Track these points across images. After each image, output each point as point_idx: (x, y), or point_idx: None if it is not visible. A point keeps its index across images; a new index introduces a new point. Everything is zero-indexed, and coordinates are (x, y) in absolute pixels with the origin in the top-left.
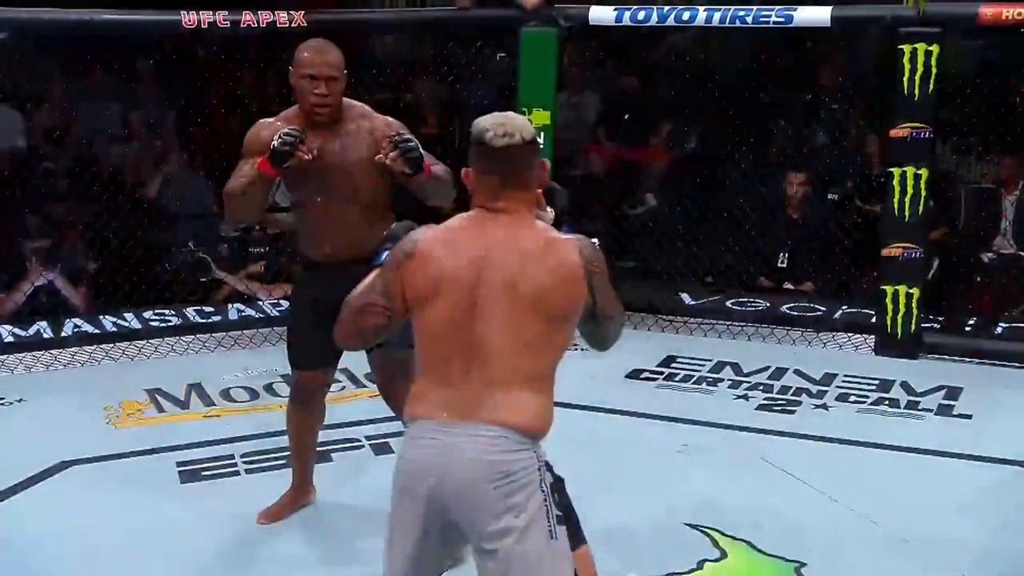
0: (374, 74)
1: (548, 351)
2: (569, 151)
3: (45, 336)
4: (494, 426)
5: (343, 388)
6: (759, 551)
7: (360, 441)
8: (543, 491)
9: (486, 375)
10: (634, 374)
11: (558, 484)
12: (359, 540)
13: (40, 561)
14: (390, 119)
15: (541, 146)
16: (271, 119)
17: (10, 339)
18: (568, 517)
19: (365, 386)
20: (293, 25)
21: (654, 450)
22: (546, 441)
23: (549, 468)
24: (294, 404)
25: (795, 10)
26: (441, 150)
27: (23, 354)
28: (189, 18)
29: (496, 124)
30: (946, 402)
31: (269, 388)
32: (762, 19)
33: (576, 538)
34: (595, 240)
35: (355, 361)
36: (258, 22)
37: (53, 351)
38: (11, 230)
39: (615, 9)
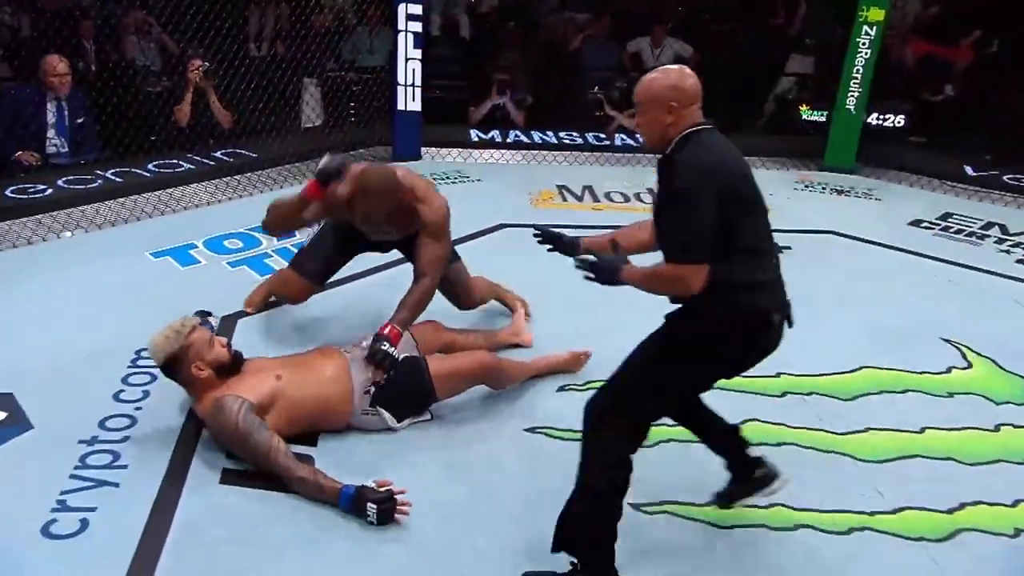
0: None
1: None
2: (889, 44)
3: (496, 140)
4: None
5: None
6: (1001, 368)
7: None
8: None
9: None
10: (915, 222)
11: None
12: None
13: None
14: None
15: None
16: None
17: (475, 139)
18: None
19: None
20: None
21: (924, 280)
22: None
23: None
24: None
25: None
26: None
27: (483, 150)
28: None
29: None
30: None
31: (637, 196)
32: None
33: None
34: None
35: None
36: None
37: (502, 151)
38: (486, 64)
39: None
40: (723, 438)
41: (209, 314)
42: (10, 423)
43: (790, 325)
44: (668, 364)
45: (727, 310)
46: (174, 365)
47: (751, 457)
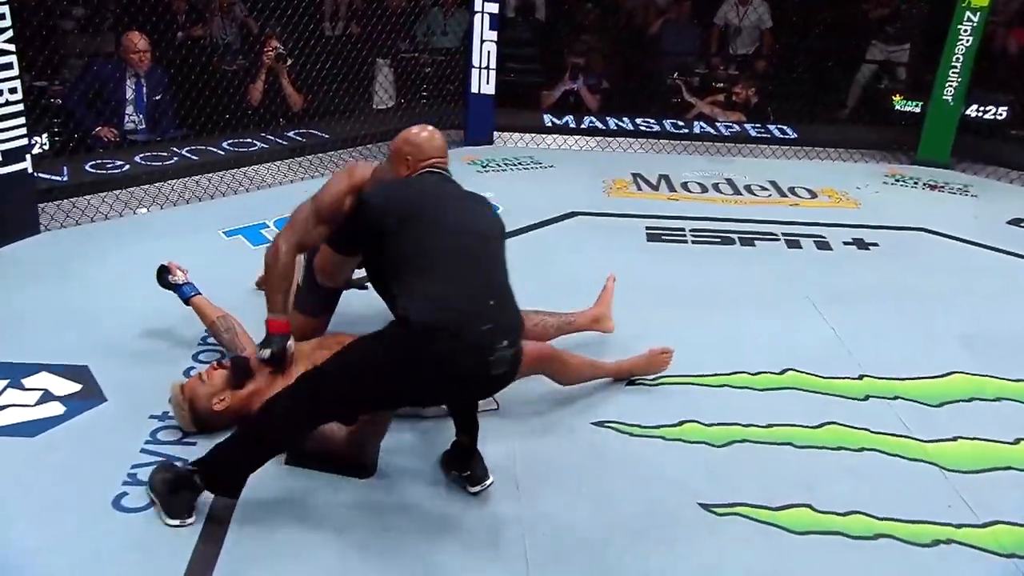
0: None
1: None
2: (992, 31)
3: (570, 125)
4: None
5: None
6: None
7: (776, 236)
8: None
9: None
10: (1015, 221)
11: None
12: None
13: (549, 268)
14: None
15: None
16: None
17: (548, 124)
18: None
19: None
20: None
21: (1022, 283)
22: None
23: None
24: None
25: None
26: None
27: (555, 135)
28: None
29: None
30: None
31: (715, 186)
32: None
33: None
34: None
35: None
36: None
37: (575, 136)
38: (562, 47)
39: None
40: (463, 434)
41: (167, 270)
42: (85, 395)
43: (486, 368)
44: (359, 358)
45: (406, 316)
46: (206, 424)
47: (468, 462)
